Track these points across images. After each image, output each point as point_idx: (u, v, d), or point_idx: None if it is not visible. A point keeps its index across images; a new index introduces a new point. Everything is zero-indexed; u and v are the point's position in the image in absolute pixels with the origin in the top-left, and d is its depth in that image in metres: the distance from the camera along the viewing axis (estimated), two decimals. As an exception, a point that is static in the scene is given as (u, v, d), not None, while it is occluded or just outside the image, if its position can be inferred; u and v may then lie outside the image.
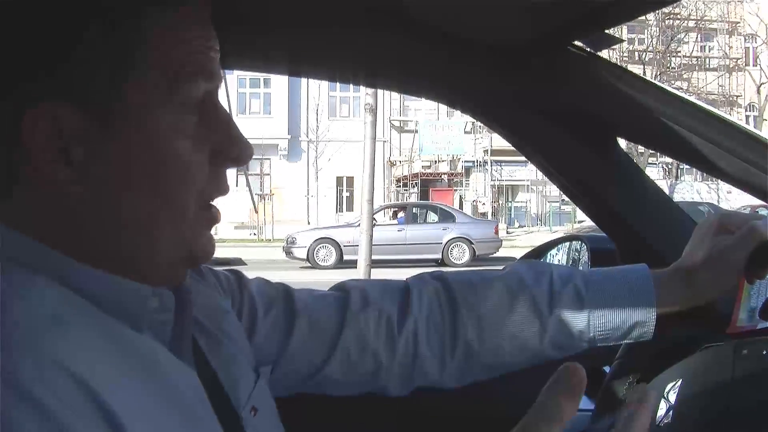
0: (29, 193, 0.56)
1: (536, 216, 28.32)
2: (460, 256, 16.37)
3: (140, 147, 0.56)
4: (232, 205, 21.26)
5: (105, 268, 0.57)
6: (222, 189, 0.63)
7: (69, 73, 0.54)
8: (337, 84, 22.67)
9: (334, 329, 0.86)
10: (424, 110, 27.06)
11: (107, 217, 0.57)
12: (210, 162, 0.61)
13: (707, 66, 27.95)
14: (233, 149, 0.62)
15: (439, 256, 16.13)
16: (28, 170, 0.55)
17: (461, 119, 25.22)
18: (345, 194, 27.15)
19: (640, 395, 0.50)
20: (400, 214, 17.97)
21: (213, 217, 0.63)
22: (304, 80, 24.88)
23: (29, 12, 0.53)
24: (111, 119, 0.56)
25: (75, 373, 0.48)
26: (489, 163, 27.26)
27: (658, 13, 24.11)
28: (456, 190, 27.00)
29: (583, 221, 19.38)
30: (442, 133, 25.90)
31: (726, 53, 28.32)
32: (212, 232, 0.65)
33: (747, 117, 28.19)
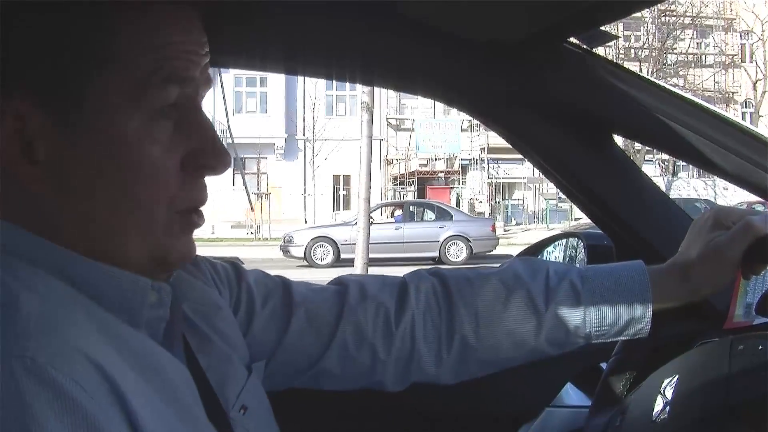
0: (15, 189, 0.56)
1: (533, 213, 28.34)
2: (458, 254, 16.37)
3: (105, 151, 0.56)
4: (229, 204, 21.22)
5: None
6: (198, 198, 0.62)
7: (31, 71, 0.55)
8: (334, 82, 22.66)
9: (331, 322, 0.85)
10: (421, 108, 27.04)
11: (74, 217, 0.57)
12: (183, 168, 0.60)
13: (703, 63, 27.95)
14: (208, 157, 0.61)
15: (436, 254, 16.13)
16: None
17: (458, 117, 25.20)
18: (342, 193, 27.12)
19: None
20: (397, 213, 17.96)
21: (192, 222, 0.62)
22: (300, 79, 24.87)
23: None
24: (73, 120, 0.55)
25: (92, 358, 0.49)
26: (486, 160, 27.25)
27: (654, 10, 24.12)
28: (453, 188, 26.99)
29: (580, 218, 19.39)
30: (438, 131, 25.88)
31: (722, 50, 28.34)
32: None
33: (743, 113, 28.23)
